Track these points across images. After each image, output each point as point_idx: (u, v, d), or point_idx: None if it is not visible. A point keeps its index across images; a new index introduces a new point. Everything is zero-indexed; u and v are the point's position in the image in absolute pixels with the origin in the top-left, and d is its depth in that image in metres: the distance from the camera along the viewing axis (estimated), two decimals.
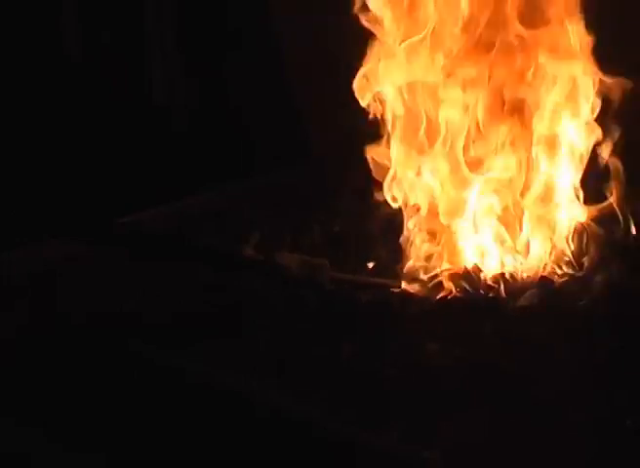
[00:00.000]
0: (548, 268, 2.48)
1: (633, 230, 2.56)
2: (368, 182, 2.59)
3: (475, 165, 2.49)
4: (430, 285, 2.47)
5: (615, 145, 2.49)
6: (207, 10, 3.70)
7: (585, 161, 2.53)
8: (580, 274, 2.47)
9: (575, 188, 2.54)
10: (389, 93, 2.51)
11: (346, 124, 2.65)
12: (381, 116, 2.54)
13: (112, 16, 3.68)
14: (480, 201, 2.51)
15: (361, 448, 1.92)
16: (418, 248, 2.53)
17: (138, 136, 3.63)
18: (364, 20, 2.49)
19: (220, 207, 3.09)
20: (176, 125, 3.77)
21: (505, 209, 2.52)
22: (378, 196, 2.59)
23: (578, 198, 2.54)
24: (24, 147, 3.41)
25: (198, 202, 3.17)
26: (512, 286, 2.45)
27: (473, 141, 2.48)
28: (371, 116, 2.54)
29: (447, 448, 1.85)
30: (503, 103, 2.47)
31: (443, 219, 2.53)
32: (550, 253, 2.51)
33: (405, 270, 2.52)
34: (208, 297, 2.49)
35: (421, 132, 2.51)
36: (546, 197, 2.52)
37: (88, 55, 3.66)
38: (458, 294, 2.42)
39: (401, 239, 2.55)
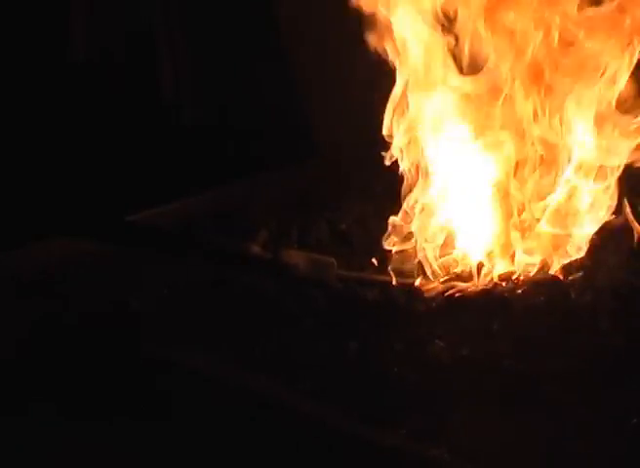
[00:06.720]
0: (556, 266, 2.48)
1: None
2: (374, 180, 2.59)
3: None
4: (438, 282, 2.47)
5: None
6: (214, 8, 3.70)
7: None
8: (588, 272, 2.47)
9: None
10: None
11: (353, 122, 2.64)
12: None
13: (121, 14, 3.69)
14: (489, 199, 2.51)
15: (368, 446, 1.92)
16: (424, 245, 2.54)
17: (145, 134, 3.63)
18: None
19: (226, 205, 3.09)
20: (182, 123, 3.78)
21: (515, 207, 2.52)
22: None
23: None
24: (33, 146, 3.42)
25: (205, 200, 3.17)
26: (520, 284, 2.44)
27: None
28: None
29: (455, 447, 1.85)
30: None
31: (451, 217, 2.53)
32: (559, 251, 2.51)
33: (411, 268, 2.52)
34: (214, 295, 2.49)
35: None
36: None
37: (96, 53, 3.66)
38: (465, 292, 2.42)
39: (407, 236, 2.56)
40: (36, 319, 2.43)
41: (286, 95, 3.58)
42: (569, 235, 2.50)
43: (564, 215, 2.50)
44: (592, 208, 2.51)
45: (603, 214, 2.51)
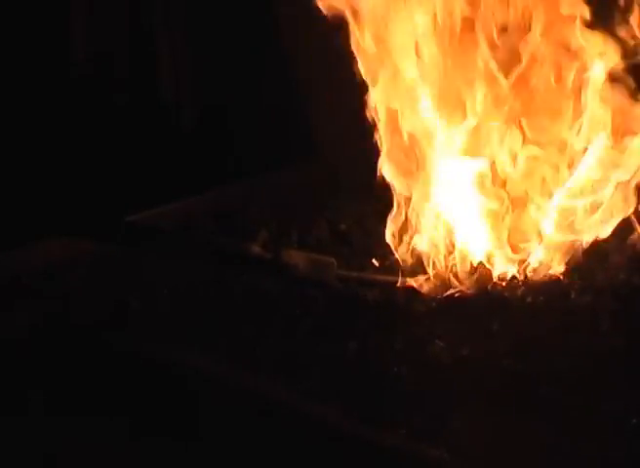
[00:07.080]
0: (556, 266, 2.48)
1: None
2: (373, 179, 2.59)
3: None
4: (437, 282, 2.46)
5: None
6: (214, 8, 3.70)
7: None
8: (587, 272, 2.46)
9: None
10: None
11: (351, 122, 2.65)
12: None
13: (121, 14, 3.69)
14: (488, 200, 2.51)
15: (368, 446, 1.92)
16: (423, 245, 2.54)
17: (144, 135, 3.63)
18: None
19: (226, 205, 3.09)
20: (182, 124, 3.78)
21: (515, 207, 2.52)
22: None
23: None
24: (33, 147, 3.42)
25: (205, 200, 3.17)
26: (520, 284, 2.44)
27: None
28: None
29: (454, 447, 1.85)
30: None
31: (451, 217, 2.53)
32: (559, 251, 2.51)
33: (411, 268, 2.52)
34: (214, 295, 2.50)
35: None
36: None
37: (96, 53, 3.67)
38: (465, 292, 2.42)
39: (407, 237, 2.56)
40: (36, 319, 2.43)
41: (286, 95, 3.57)
42: (570, 235, 2.50)
43: (565, 216, 2.51)
44: (593, 208, 2.52)
45: (603, 215, 2.51)
